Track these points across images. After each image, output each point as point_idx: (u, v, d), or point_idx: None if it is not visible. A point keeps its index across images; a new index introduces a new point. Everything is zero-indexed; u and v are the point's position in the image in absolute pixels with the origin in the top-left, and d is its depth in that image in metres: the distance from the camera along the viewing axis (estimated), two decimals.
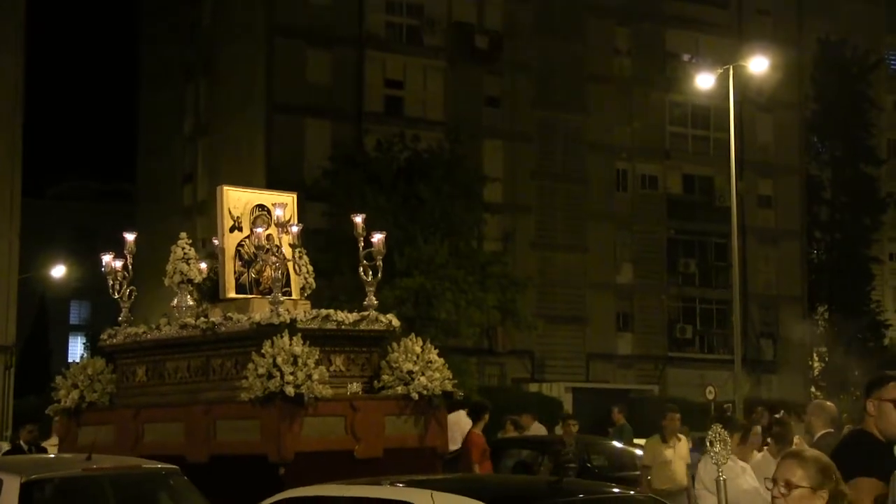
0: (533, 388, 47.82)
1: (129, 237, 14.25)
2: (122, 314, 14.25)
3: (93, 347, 63.22)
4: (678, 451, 16.23)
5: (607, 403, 29.96)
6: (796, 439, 18.98)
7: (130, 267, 14.11)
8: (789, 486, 5.19)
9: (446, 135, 44.50)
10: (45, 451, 16.50)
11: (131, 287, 14.17)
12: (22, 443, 17.29)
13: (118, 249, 14.32)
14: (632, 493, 9.11)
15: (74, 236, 73.28)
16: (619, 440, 24.11)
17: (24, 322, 66.48)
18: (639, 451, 22.00)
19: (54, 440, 16.23)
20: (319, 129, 48.81)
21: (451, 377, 13.11)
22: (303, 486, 8.78)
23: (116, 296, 14.11)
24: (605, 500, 8.22)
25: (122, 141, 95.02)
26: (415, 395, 12.75)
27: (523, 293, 42.13)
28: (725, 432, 5.85)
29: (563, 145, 53.25)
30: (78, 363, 14.54)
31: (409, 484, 8.08)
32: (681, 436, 16.62)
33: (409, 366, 12.87)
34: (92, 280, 69.83)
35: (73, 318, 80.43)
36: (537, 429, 26.26)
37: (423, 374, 12.84)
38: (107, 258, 14.16)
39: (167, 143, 55.56)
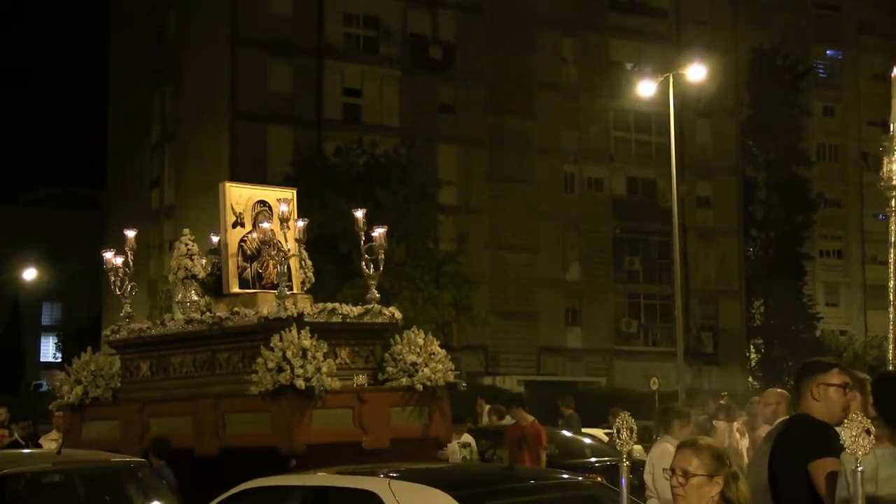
0: (487, 381, 47.54)
1: (130, 234, 13.73)
2: (123, 310, 13.72)
3: (64, 347, 62.89)
4: None
5: (558, 395, 29.86)
6: (736, 424, 18.89)
7: (132, 263, 13.56)
8: (686, 475, 5.12)
9: (402, 140, 44.20)
10: (40, 446, 15.82)
11: (132, 283, 13.63)
12: (18, 438, 16.59)
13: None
14: (580, 478, 9.00)
15: (46, 240, 72.36)
16: (569, 430, 23.99)
17: None
18: (587, 440, 22.46)
19: (53, 434, 15.62)
20: (281, 135, 48.43)
21: (453, 368, 12.75)
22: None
23: (118, 292, 13.56)
24: (555, 485, 8.19)
25: (92, 148, 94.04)
26: (419, 387, 12.42)
27: (477, 291, 42.19)
28: (632, 419, 5.57)
29: (513, 150, 52.98)
30: (80, 359, 13.89)
31: (368, 473, 7.93)
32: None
33: (413, 357, 12.55)
34: (63, 282, 69.62)
35: (45, 320, 79.40)
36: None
37: (426, 366, 12.51)
38: (108, 255, 13.59)
39: (135, 150, 54.77)
